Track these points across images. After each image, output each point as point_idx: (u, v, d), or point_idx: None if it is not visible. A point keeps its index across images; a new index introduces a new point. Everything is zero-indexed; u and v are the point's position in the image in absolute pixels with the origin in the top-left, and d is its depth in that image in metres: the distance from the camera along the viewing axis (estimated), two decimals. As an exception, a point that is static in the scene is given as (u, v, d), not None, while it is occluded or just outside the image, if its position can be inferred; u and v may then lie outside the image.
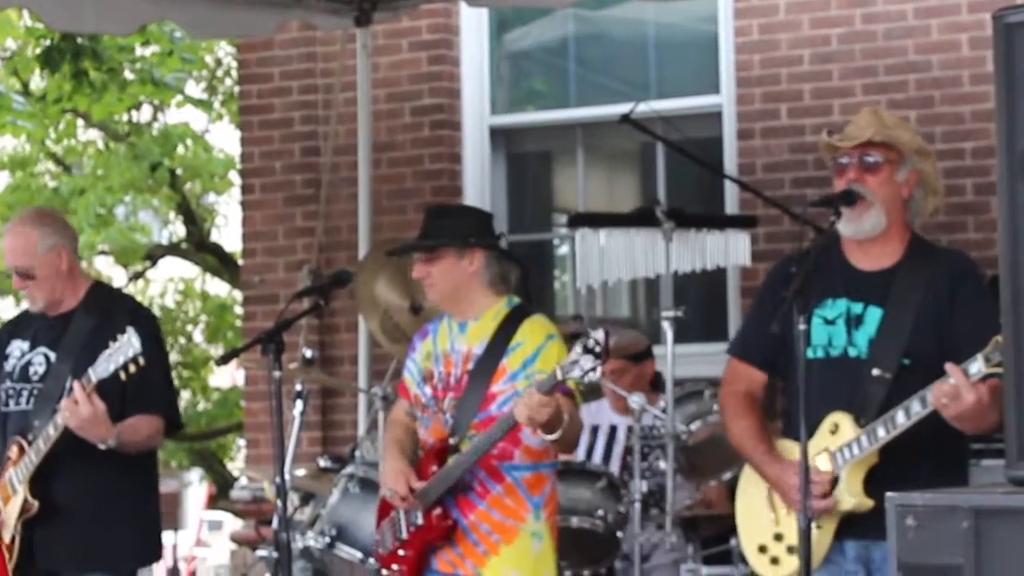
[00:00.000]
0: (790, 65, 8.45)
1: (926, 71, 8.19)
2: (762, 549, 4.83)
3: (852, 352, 4.75)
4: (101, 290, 5.87)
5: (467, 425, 5.20)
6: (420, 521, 5.24)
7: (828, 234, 4.74)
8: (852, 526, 4.66)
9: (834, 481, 4.68)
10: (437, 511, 5.20)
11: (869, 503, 4.61)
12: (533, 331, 5.26)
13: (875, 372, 4.68)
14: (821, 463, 4.68)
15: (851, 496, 4.66)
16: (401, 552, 5.30)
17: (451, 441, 5.21)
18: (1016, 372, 3.61)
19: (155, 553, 5.88)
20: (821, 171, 8.31)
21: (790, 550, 4.73)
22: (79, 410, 5.32)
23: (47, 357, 5.68)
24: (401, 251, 5.69)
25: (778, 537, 4.79)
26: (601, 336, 4.79)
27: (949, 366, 4.44)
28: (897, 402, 4.59)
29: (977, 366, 4.39)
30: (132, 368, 5.26)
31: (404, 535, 5.29)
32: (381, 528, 5.41)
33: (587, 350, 4.81)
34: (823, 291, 4.78)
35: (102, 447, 5.41)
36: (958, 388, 4.40)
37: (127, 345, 5.26)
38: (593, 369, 4.80)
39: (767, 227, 7.94)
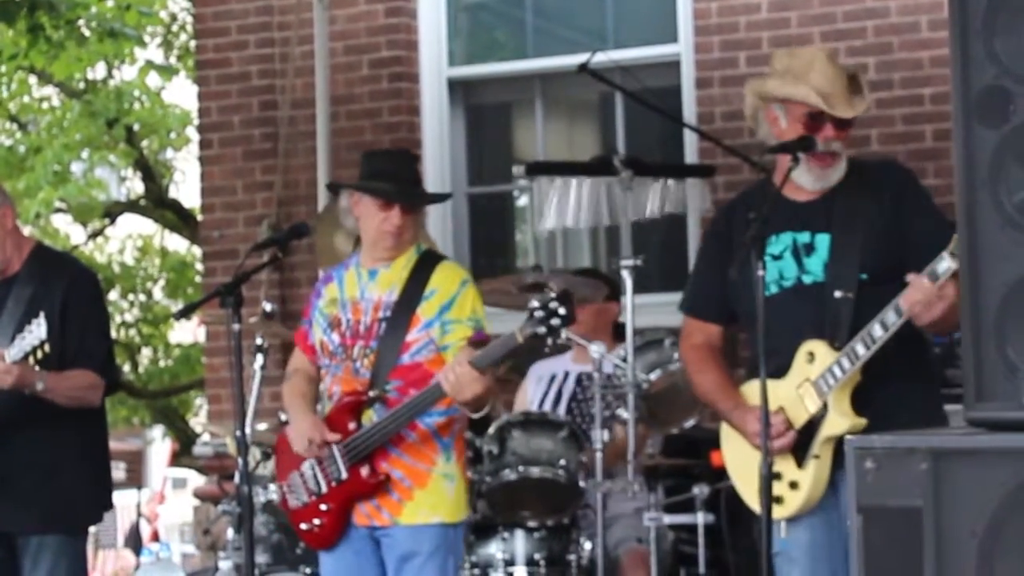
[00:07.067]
0: (748, 13, 8.43)
1: (884, 17, 8.18)
2: None
3: (807, 279, 4.80)
4: (43, 252, 5.84)
5: (384, 376, 5.18)
6: (344, 476, 5.20)
7: (769, 181, 4.82)
8: None
9: (823, 409, 4.70)
10: (364, 469, 5.16)
11: (862, 422, 4.64)
12: (447, 278, 5.24)
13: (837, 294, 4.72)
14: (806, 395, 4.70)
15: (843, 419, 4.67)
16: (322, 506, 5.26)
17: (370, 394, 5.19)
18: (972, 316, 3.62)
19: (104, 510, 5.88)
20: (779, 119, 8.30)
21: (792, 485, 4.75)
22: (5, 379, 5.40)
23: None
24: (422, 202, 5.47)
25: (776, 476, 4.76)
26: (562, 297, 4.78)
27: (912, 277, 4.48)
28: (865, 319, 4.62)
29: (945, 264, 4.44)
30: (39, 354, 5.39)
31: (324, 489, 5.26)
32: (289, 481, 5.36)
33: (549, 314, 4.79)
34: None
35: (29, 392, 5.45)
36: (929, 297, 4.46)
37: (35, 333, 5.36)
38: (556, 332, 4.79)
39: (726, 175, 7.93)
